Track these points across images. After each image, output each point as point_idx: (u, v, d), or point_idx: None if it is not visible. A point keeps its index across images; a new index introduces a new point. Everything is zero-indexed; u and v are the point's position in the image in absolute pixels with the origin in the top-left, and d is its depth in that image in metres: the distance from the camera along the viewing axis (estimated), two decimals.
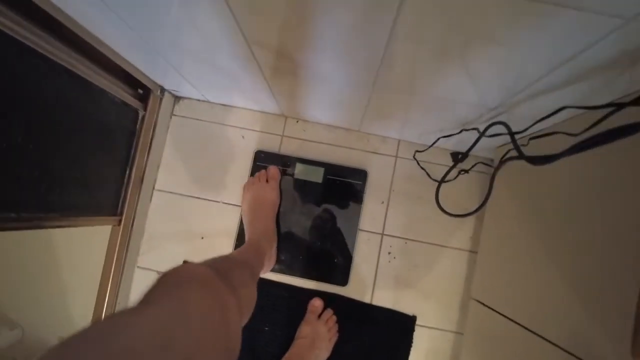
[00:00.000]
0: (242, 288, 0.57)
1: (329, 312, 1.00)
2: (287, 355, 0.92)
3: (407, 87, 0.70)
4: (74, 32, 0.69)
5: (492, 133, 0.73)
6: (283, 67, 0.73)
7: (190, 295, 0.41)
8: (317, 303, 1.00)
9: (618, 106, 0.46)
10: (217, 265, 0.54)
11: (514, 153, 0.60)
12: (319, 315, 1.00)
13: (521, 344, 0.69)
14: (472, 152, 1.01)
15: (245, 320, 0.56)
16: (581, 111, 0.57)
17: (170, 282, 0.44)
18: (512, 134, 0.63)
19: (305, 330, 0.96)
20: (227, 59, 0.74)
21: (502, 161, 0.64)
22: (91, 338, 0.30)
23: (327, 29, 0.54)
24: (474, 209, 1.02)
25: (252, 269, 0.72)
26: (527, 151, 0.63)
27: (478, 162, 0.99)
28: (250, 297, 0.61)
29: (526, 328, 0.67)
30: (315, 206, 1.03)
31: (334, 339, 0.99)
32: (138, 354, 0.29)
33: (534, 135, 0.69)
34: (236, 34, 0.61)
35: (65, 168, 0.77)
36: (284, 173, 1.04)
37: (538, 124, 0.63)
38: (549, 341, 0.60)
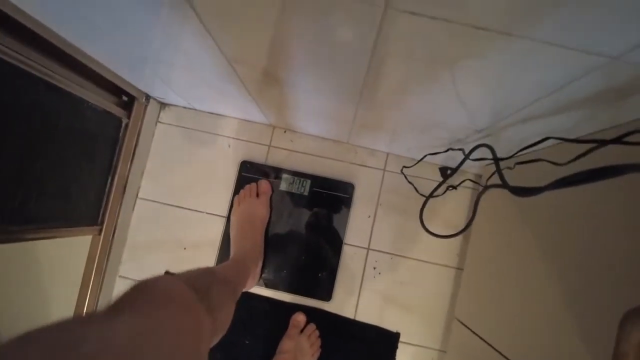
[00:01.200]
0: (219, 309, 0.55)
1: (311, 326, 0.99)
2: None
3: (391, 106, 0.69)
4: (51, 43, 0.67)
5: (478, 157, 0.71)
6: (266, 84, 0.71)
7: (165, 312, 0.39)
8: (299, 318, 0.98)
9: (600, 143, 0.45)
10: (197, 283, 0.52)
11: (498, 180, 0.59)
12: (302, 330, 0.98)
13: None
14: (461, 168, 1.01)
15: (217, 340, 0.55)
16: None
17: (147, 293, 0.42)
18: (496, 159, 0.62)
19: (287, 344, 0.94)
20: (210, 74, 0.72)
21: (487, 187, 0.63)
22: (51, 345, 0.27)
23: (305, 48, 0.52)
24: (460, 228, 1.01)
25: (233, 288, 0.69)
26: (513, 176, 0.62)
27: (466, 179, 0.98)
28: (226, 318, 0.59)
29: (505, 357, 0.66)
30: (299, 219, 1.02)
31: (317, 354, 0.97)
32: None
33: (520, 160, 0.67)
34: (216, 52, 0.60)
35: (43, 179, 0.75)
36: (272, 185, 1.03)
37: (524, 151, 0.61)
38: None
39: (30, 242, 0.78)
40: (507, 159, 0.64)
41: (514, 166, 0.70)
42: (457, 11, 0.36)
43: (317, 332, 0.99)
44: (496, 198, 0.82)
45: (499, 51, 0.41)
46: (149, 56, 0.72)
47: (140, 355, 0.31)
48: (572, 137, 0.61)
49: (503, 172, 0.60)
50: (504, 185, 0.56)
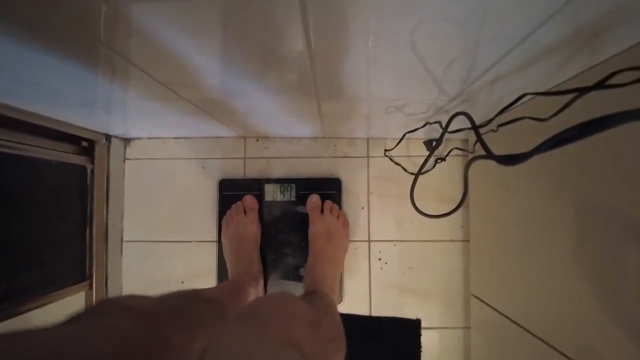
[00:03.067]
0: (200, 328, 0.52)
1: (328, 202, 0.97)
2: (310, 257, 0.90)
3: (352, 93, 0.63)
4: None
5: (457, 128, 0.67)
6: (211, 99, 0.66)
7: (108, 319, 0.38)
8: (314, 199, 0.96)
9: (581, 91, 0.40)
10: (170, 302, 0.50)
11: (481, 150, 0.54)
12: (322, 211, 0.96)
13: (522, 344, 0.63)
14: (446, 137, 0.96)
15: None
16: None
17: (101, 304, 0.42)
18: (475, 127, 0.57)
19: (314, 228, 0.93)
20: (163, 106, 0.68)
21: (472, 159, 0.58)
22: None
23: (235, 62, 0.47)
24: (457, 200, 0.96)
25: (221, 308, 0.66)
26: (498, 139, 0.58)
27: (454, 148, 0.93)
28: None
29: (525, 329, 0.62)
30: (293, 226, 0.97)
31: (347, 222, 0.97)
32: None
33: (502, 122, 0.62)
34: (161, 88, 0.55)
35: (16, 252, 0.71)
36: (257, 198, 0.98)
37: (502, 113, 0.56)
38: (551, 346, 0.55)
39: (22, 316, 0.75)
40: (486, 124, 0.59)
41: (497, 129, 0.65)
42: None
43: (336, 205, 0.97)
44: (486, 163, 0.78)
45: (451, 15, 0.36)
46: (98, 101, 0.67)
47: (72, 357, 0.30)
48: (549, 87, 0.56)
49: (486, 136, 0.55)
50: (489, 155, 0.51)
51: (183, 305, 0.52)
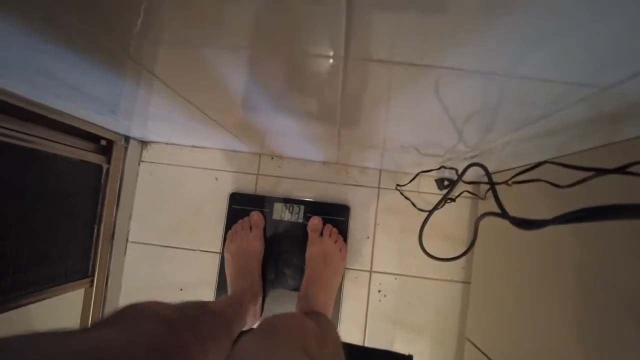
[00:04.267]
0: (211, 339, 0.54)
1: (328, 226, 0.97)
2: (305, 279, 0.90)
3: (373, 129, 0.65)
4: (8, 102, 0.63)
5: (471, 179, 0.68)
6: (244, 123, 0.68)
7: (141, 323, 0.40)
8: (315, 221, 0.96)
9: (601, 172, 0.41)
10: (186, 311, 0.52)
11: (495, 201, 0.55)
12: (321, 234, 0.96)
13: None
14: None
15: None
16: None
17: (127, 310, 0.43)
18: (492, 183, 0.58)
19: (312, 250, 0.94)
20: (186, 119, 0.69)
21: (485, 214, 0.59)
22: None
23: (272, 90, 0.48)
24: (462, 241, 0.97)
25: (226, 321, 0.67)
26: (510, 195, 0.58)
27: (465, 191, 0.94)
28: (218, 354, 0.57)
29: None
30: (298, 248, 0.98)
31: (344, 247, 0.96)
32: None
33: (518, 180, 0.63)
34: (186, 105, 0.56)
35: (23, 245, 0.72)
36: (264, 215, 0.99)
37: (520, 175, 0.57)
38: None
39: (21, 309, 0.76)
40: (503, 183, 0.60)
41: (511, 184, 0.66)
42: (424, 55, 0.32)
43: (335, 229, 0.97)
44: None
45: (474, 85, 0.38)
46: (122, 109, 0.69)
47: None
48: (571, 152, 0.57)
49: (499, 189, 0.56)
50: (504, 215, 0.52)
51: (197, 316, 0.54)
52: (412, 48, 0.31)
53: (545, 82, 0.34)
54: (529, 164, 0.54)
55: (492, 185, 0.58)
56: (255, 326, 0.48)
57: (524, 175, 0.57)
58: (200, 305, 0.61)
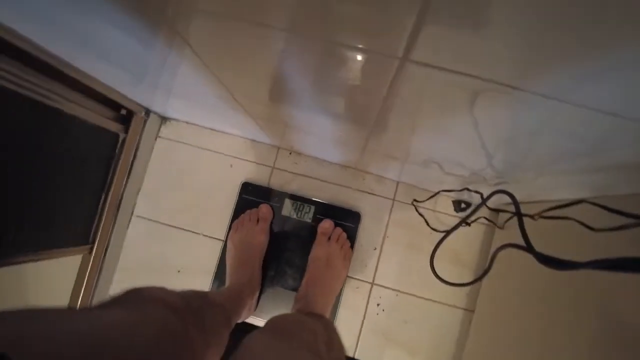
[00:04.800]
0: (212, 334, 0.54)
1: (338, 230, 0.95)
2: (305, 280, 0.88)
3: (405, 141, 0.62)
4: (38, 58, 0.62)
5: (496, 206, 0.65)
6: (272, 112, 0.66)
7: (153, 308, 0.39)
8: (326, 225, 0.94)
9: None
10: (192, 302, 0.51)
11: (515, 229, 0.52)
12: (329, 237, 0.94)
13: None
14: (474, 202, 0.94)
15: None
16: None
17: (137, 294, 0.43)
18: (520, 215, 0.55)
19: (318, 252, 0.92)
20: (210, 100, 0.67)
21: (506, 245, 0.56)
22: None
23: (315, 86, 0.46)
24: (471, 267, 0.94)
25: (227, 315, 0.67)
26: (534, 229, 0.55)
27: (482, 217, 0.91)
28: (219, 345, 0.57)
29: None
30: (302, 248, 0.96)
31: (349, 254, 0.94)
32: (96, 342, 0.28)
33: (546, 215, 0.60)
34: (216, 84, 0.54)
35: (30, 203, 0.71)
36: (273, 210, 0.97)
37: (551, 211, 0.54)
38: None
39: (15, 266, 0.74)
40: (530, 216, 0.57)
41: (537, 219, 0.63)
42: (489, 70, 0.30)
43: (344, 235, 0.95)
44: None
45: (530, 109, 0.35)
46: (147, 77, 0.67)
47: (117, 342, 0.30)
48: (609, 193, 0.54)
49: (523, 221, 0.53)
50: (529, 249, 0.49)
51: (200, 308, 0.53)
52: (480, 62, 0.29)
53: (607, 114, 0.32)
54: (562, 200, 0.52)
55: (520, 216, 0.55)
56: (264, 327, 0.47)
57: (556, 211, 0.54)
58: (202, 296, 0.60)
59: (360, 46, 0.31)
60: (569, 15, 0.22)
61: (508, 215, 0.81)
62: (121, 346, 0.30)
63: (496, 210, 0.90)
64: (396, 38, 0.28)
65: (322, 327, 0.55)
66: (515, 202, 0.58)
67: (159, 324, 0.36)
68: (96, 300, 0.95)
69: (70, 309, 0.31)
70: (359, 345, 0.95)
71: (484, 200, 0.67)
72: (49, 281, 0.95)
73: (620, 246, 0.47)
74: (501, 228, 0.86)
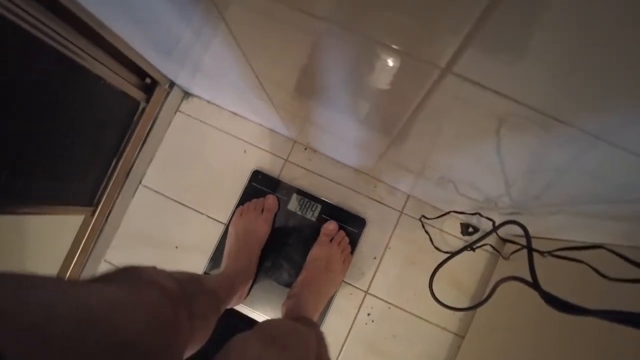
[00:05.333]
0: (201, 318, 0.54)
1: (341, 234, 0.94)
2: (300, 278, 0.88)
3: (426, 154, 0.61)
4: (74, 14, 0.62)
5: (506, 236, 0.63)
6: (295, 104, 0.65)
7: (148, 292, 0.39)
8: (331, 226, 0.94)
9: None
10: (186, 287, 0.51)
11: (522, 270, 0.51)
12: (331, 239, 0.93)
13: None
14: (483, 228, 0.92)
15: (192, 351, 0.52)
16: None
17: (133, 273, 0.42)
18: (531, 249, 0.54)
19: (318, 252, 0.91)
20: (238, 82, 0.67)
21: (511, 278, 0.55)
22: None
23: (345, 83, 0.45)
24: (469, 293, 0.93)
25: (218, 302, 0.66)
26: (542, 267, 0.53)
27: (488, 244, 0.89)
28: (205, 330, 0.57)
29: None
30: (303, 245, 0.95)
31: (348, 259, 0.94)
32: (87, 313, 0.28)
33: (557, 254, 0.58)
34: (244, 65, 0.54)
35: (42, 154, 0.71)
36: (279, 202, 0.96)
37: (565, 250, 0.53)
38: None
39: (16, 216, 0.74)
40: (541, 252, 0.56)
41: (546, 255, 0.61)
42: (525, 94, 0.29)
43: (347, 239, 0.94)
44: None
45: (563, 143, 0.34)
46: (177, 49, 0.67)
47: (112, 319, 0.30)
48: (627, 244, 0.53)
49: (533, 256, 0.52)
50: (535, 286, 0.48)
51: (194, 294, 0.53)
52: (523, 87, 0.28)
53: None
54: (574, 242, 0.50)
55: (530, 250, 0.54)
56: (257, 333, 0.47)
57: (568, 251, 0.52)
58: (197, 280, 0.59)
59: (402, 49, 0.30)
60: (629, 55, 0.21)
61: (515, 247, 0.79)
62: (115, 324, 0.29)
63: (504, 240, 0.88)
64: (442, 48, 0.27)
65: (315, 339, 0.55)
66: (527, 235, 0.56)
67: (152, 308, 0.36)
68: (90, 262, 0.95)
69: (69, 280, 0.31)
70: (342, 352, 0.93)
71: (495, 228, 0.66)
72: (48, 237, 0.96)
73: (630, 300, 0.45)
74: (506, 259, 0.84)
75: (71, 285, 0.30)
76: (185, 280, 0.53)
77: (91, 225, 0.93)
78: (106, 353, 0.27)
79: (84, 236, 0.92)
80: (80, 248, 0.93)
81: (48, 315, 0.25)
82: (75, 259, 0.93)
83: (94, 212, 0.92)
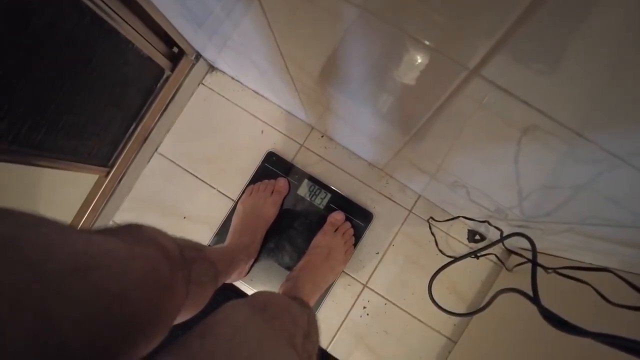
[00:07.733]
0: (196, 285, 0.54)
1: (346, 225, 0.95)
2: (301, 263, 0.88)
3: (442, 156, 0.60)
4: None
5: (514, 248, 0.63)
6: (318, 89, 0.64)
7: (146, 249, 0.39)
8: (338, 216, 0.94)
9: None
10: (185, 251, 0.51)
11: (524, 284, 0.50)
12: (336, 229, 0.94)
13: None
14: (489, 237, 0.91)
15: (184, 318, 0.53)
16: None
17: (136, 231, 0.42)
18: (535, 264, 0.53)
19: (321, 240, 0.92)
20: (261, 61, 0.67)
21: (513, 290, 0.55)
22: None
23: (371, 75, 0.45)
24: (467, 300, 0.92)
25: (216, 272, 0.67)
26: (545, 283, 0.53)
27: (493, 254, 0.89)
28: (200, 298, 0.57)
29: None
30: (307, 231, 0.95)
31: (350, 251, 0.94)
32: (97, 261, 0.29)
33: (562, 272, 0.58)
34: (272, 45, 0.53)
35: (65, 109, 0.72)
36: (290, 186, 0.97)
37: (570, 269, 0.52)
38: None
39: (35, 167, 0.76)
40: (546, 268, 0.55)
41: (550, 272, 0.61)
42: (552, 106, 0.28)
43: (351, 230, 0.95)
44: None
45: (585, 161, 0.33)
46: (208, 22, 0.67)
47: (108, 268, 0.30)
48: (636, 271, 0.52)
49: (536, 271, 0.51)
50: (535, 301, 0.47)
51: (193, 260, 0.54)
52: (551, 99, 0.27)
53: None
54: (580, 262, 0.49)
55: (535, 265, 0.53)
56: (247, 301, 0.47)
57: (574, 271, 0.52)
58: (198, 249, 0.60)
59: (433, 46, 0.29)
60: None
61: (520, 260, 0.78)
62: (110, 273, 0.30)
63: (509, 251, 0.87)
64: (473, 49, 0.27)
65: (306, 318, 0.55)
66: (534, 249, 0.56)
67: (150, 264, 0.36)
68: (99, 221, 0.97)
69: (72, 226, 0.31)
70: (334, 340, 0.94)
71: (502, 239, 0.65)
72: (60, 192, 0.98)
73: (631, 327, 0.44)
74: (509, 270, 0.84)
75: (73, 231, 0.30)
76: (186, 246, 0.54)
77: (104, 185, 0.94)
78: (98, 301, 0.27)
79: (96, 195, 0.94)
80: (91, 207, 0.95)
81: (45, 255, 0.25)
82: (85, 217, 0.95)
83: (108, 173, 0.94)
